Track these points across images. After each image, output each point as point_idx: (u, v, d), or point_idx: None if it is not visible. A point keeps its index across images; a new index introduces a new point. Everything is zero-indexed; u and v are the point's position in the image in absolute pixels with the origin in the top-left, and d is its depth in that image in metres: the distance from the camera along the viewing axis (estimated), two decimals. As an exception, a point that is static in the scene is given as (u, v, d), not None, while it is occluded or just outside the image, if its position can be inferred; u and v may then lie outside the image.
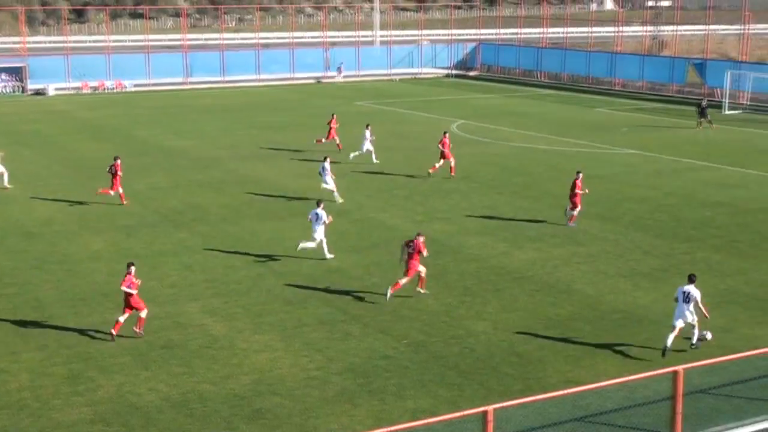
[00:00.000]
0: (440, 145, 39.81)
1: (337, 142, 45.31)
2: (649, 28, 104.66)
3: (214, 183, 38.98)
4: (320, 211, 27.18)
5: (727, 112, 61.99)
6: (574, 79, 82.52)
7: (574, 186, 31.54)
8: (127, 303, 21.36)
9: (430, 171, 39.67)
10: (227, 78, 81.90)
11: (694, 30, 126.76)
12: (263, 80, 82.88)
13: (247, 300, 24.22)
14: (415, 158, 44.03)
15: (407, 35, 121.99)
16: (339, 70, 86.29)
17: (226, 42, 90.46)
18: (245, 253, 28.40)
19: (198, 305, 23.77)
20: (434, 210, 34.01)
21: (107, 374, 19.40)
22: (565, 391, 16.08)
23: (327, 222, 27.33)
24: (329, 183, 34.83)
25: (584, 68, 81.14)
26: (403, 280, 23.85)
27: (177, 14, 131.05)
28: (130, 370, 19.59)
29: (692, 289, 20.16)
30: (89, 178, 39.00)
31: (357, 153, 42.89)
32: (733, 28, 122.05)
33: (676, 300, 20.39)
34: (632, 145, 48.67)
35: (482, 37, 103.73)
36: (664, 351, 19.96)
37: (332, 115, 47.02)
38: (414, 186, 38.20)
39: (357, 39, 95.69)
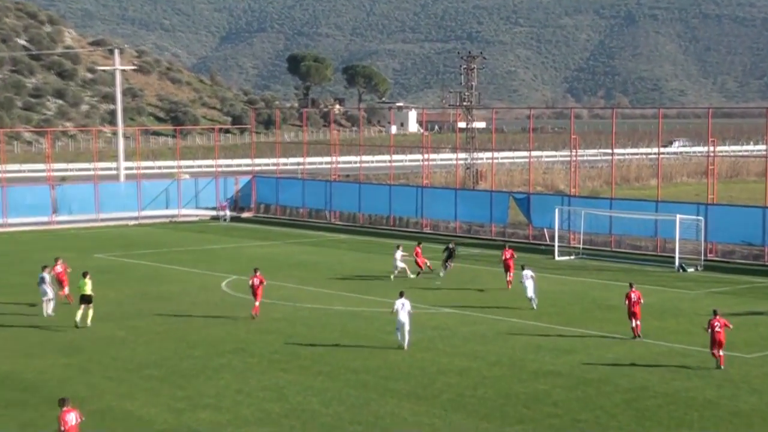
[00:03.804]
0: None
1: (428, 264, 57.58)
2: (462, 155, 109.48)
3: None
4: (404, 300, 39.49)
5: (558, 259, 65.04)
6: (373, 220, 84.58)
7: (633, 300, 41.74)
8: None
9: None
10: None
11: (514, 157, 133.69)
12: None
13: None
14: (175, 327, 43.67)
15: (162, 167, 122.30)
16: (222, 207, 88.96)
17: None
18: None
19: None
20: (198, 394, 33.55)
21: None
22: None
23: (410, 311, 39.61)
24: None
25: (385, 206, 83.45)
26: (719, 352, 36.69)
27: None
28: None
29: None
30: None
31: (396, 272, 56.61)
32: (560, 155, 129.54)
33: None
34: (448, 301, 50.05)
35: (258, 168, 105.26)
36: None
37: (418, 243, 60.10)
38: (172, 364, 37.64)
39: (95, 173, 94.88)
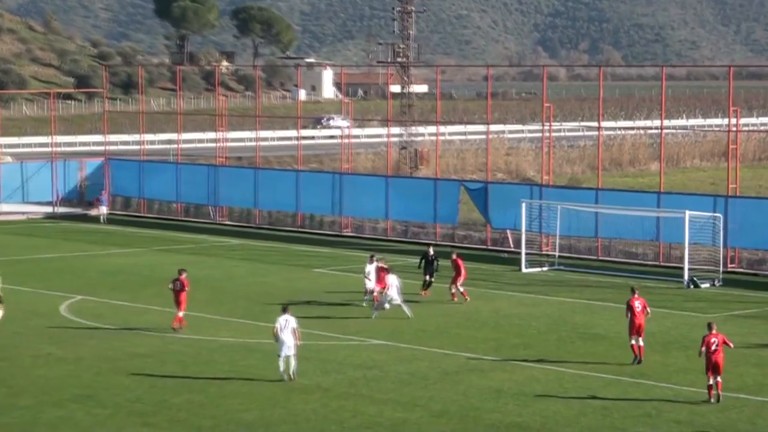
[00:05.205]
0: None
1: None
2: (396, 130, 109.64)
3: None
4: (288, 316, 41.18)
5: (526, 271, 65.30)
6: (274, 218, 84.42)
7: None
8: None
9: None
10: None
11: (467, 132, 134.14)
12: None
13: None
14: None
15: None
16: (97, 201, 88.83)
17: None
18: None
19: None
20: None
21: None
22: None
23: (294, 328, 40.84)
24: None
25: (291, 200, 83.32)
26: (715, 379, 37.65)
27: None
28: None
29: None
30: None
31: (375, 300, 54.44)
32: (530, 129, 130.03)
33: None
34: (378, 331, 50.12)
35: (113, 148, 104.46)
36: None
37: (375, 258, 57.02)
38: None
39: None
